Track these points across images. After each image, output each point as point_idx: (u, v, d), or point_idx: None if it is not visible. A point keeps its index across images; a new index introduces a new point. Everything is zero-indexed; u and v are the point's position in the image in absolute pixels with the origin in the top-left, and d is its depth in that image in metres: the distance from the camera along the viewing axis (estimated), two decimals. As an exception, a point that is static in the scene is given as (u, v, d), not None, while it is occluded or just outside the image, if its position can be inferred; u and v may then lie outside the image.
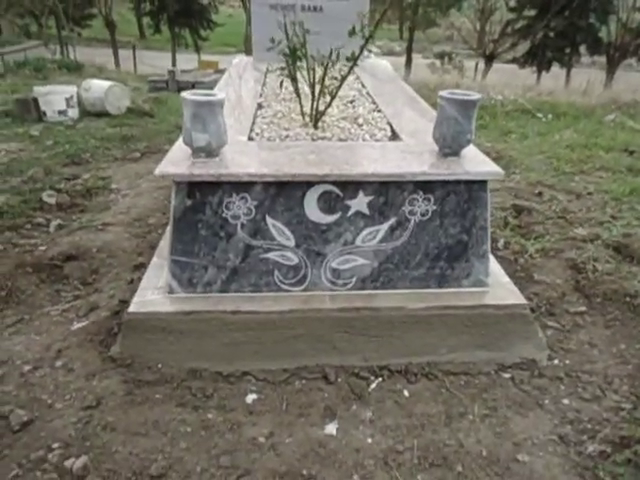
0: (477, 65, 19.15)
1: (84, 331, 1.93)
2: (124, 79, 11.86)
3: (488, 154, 4.93)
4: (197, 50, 22.32)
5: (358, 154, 1.86)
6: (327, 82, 2.05)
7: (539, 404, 1.64)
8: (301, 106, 2.16)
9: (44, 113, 5.63)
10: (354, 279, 1.88)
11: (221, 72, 13.41)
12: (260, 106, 2.55)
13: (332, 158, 1.81)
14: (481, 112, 6.84)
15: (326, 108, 2.09)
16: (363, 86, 3.01)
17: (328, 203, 1.77)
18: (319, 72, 2.07)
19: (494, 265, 2.10)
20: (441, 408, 1.63)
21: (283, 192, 1.74)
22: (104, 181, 3.62)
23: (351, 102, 2.58)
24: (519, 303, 1.87)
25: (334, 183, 1.74)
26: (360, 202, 1.78)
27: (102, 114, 5.89)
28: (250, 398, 1.66)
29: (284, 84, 2.12)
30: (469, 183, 1.78)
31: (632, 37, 17.67)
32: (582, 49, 19.24)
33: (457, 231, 1.85)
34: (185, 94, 1.68)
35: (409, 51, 22.20)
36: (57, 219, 2.95)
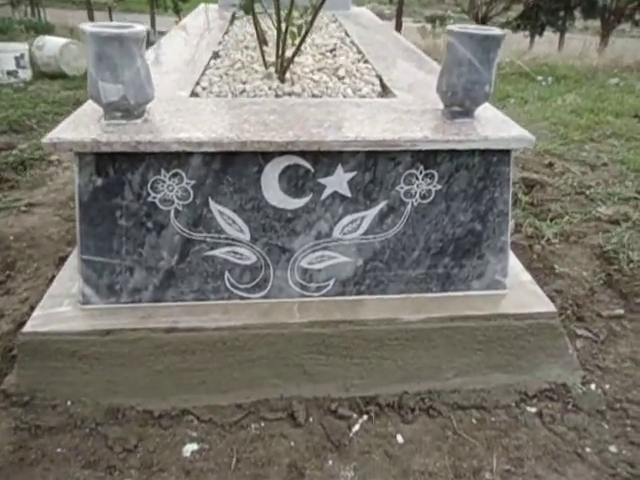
0: (469, 29, 18.35)
1: (-25, 352, 1.46)
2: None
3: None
4: (176, 11, 21.08)
5: (336, 114, 1.37)
6: (296, 18, 1.54)
7: (578, 453, 1.22)
8: (262, 52, 1.64)
9: (-9, 74, 4.99)
10: (331, 282, 1.42)
11: (200, 34, 12.60)
12: (216, 55, 2.03)
13: (300, 119, 1.32)
14: (477, 75, 6.32)
15: (295, 53, 1.58)
16: (347, 34, 2.49)
17: (294, 182, 1.29)
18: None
19: (511, 258, 1.65)
20: (447, 461, 1.20)
21: (231, 167, 1.26)
22: (43, 151, 3.06)
23: (331, 51, 2.07)
24: (547, 311, 1.43)
25: (302, 154, 1.26)
26: (339, 180, 1.30)
27: (58, 75, 5.25)
28: (189, 449, 1.22)
29: (238, 16, 1.59)
30: (487, 153, 1.31)
31: (627, 0, 16.98)
32: (576, 13, 18.51)
33: (468, 218, 1.39)
34: (85, 25, 1.16)
35: (399, 15, 21.19)
36: (-24, 199, 2.43)
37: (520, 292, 1.50)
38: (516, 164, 3.08)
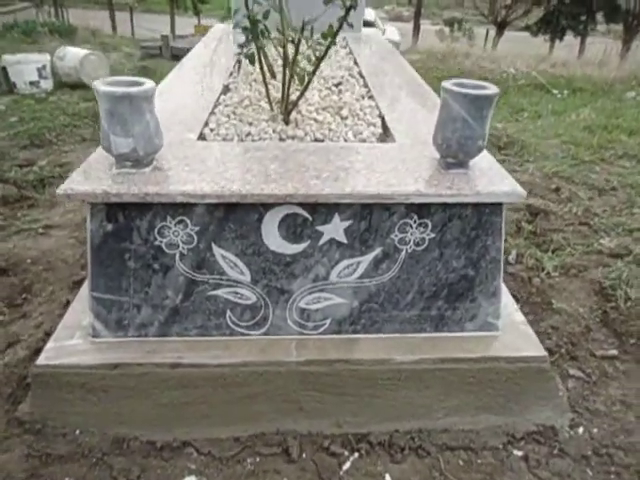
0: (488, 33, 18.22)
1: (-8, 378, 1.56)
2: (117, 44, 11.24)
3: (499, 138, 4.42)
4: (196, 13, 21.28)
5: (335, 162, 1.43)
6: (301, 64, 1.60)
7: (560, 500, 1.27)
8: (268, 95, 1.71)
9: (14, 85, 5.17)
10: (328, 321, 1.49)
11: (218, 38, 12.75)
12: (227, 89, 2.10)
13: (300, 169, 1.38)
14: (492, 87, 6.32)
15: (298, 99, 1.64)
16: (356, 63, 2.55)
17: (293, 229, 1.36)
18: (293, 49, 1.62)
19: (506, 296, 1.69)
20: (433, 503, 1.26)
21: (233, 215, 1.33)
22: (62, 168, 3.18)
23: (337, 85, 2.12)
24: (537, 355, 1.47)
25: (301, 204, 1.32)
26: (335, 228, 1.36)
27: (78, 86, 5.40)
28: (187, 482, 1.30)
29: (243, 65, 1.66)
30: (479, 205, 1.36)
31: (652, 4, 16.71)
32: (598, 17, 18.24)
33: (461, 264, 1.44)
34: (98, 84, 1.24)
35: (417, 17, 21.14)
36: (-2, 217, 2.55)
37: (512, 334, 1.54)
38: (523, 188, 3.10)
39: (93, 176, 1.30)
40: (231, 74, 2.29)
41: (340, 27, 1.43)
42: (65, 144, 3.77)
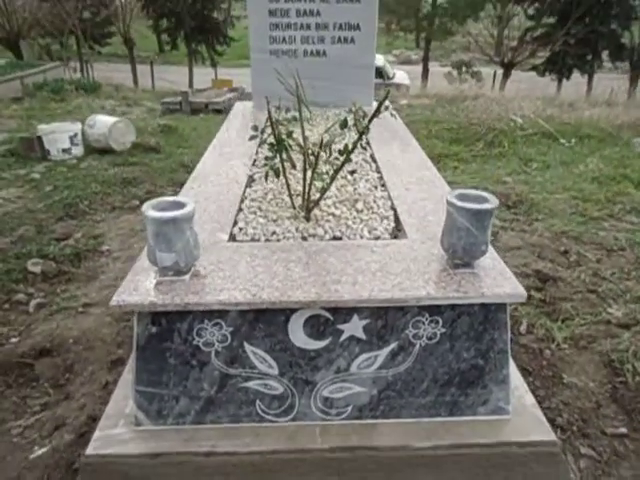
0: (495, 74, 18.71)
1: (42, 462, 1.70)
2: (139, 98, 11.87)
3: (508, 197, 4.54)
4: (213, 65, 22.42)
5: (353, 264, 1.59)
6: (323, 168, 1.79)
7: None
8: (289, 193, 1.89)
9: (48, 152, 5.52)
10: (350, 408, 1.61)
11: (235, 91, 13.35)
12: (251, 179, 2.30)
13: (322, 271, 1.54)
14: (500, 137, 6.50)
15: (318, 201, 1.82)
16: (368, 144, 2.74)
17: (316, 328, 1.51)
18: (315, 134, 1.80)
19: (516, 377, 1.80)
20: None
21: (263, 318, 1.49)
22: (95, 240, 3.42)
23: (352, 173, 2.31)
24: (547, 440, 1.57)
25: (323, 307, 1.47)
26: (355, 326, 1.51)
27: (107, 151, 5.75)
28: None
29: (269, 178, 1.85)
30: (485, 304, 1.49)
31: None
32: (604, 55, 18.68)
33: (471, 355, 1.56)
34: (147, 209, 1.43)
35: (425, 61, 21.90)
36: (40, 294, 2.75)
37: (523, 417, 1.64)
38: (532, 252, 3.22)
39: (140, 287, 1.48)
40: (254, 162, 2.50)
41: (354, 147, 1.62)
42: (97, 213, 4.03)
